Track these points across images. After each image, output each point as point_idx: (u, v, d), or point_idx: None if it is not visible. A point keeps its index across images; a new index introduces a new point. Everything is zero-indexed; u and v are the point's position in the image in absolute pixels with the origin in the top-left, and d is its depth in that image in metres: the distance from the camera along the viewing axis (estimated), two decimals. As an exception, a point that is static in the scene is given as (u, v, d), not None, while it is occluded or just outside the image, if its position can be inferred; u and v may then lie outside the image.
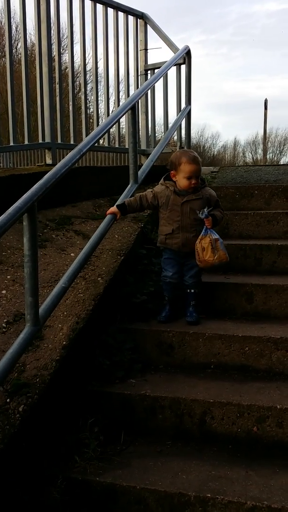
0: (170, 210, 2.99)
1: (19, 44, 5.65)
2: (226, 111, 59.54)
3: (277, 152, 35.45)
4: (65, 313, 2.76)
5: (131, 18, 5.16)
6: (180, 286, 3.09)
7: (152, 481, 2.12)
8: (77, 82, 5.11)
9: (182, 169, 2.92)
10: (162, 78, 4.87)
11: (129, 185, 3.39)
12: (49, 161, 4.23)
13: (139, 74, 5.41)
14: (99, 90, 5.02)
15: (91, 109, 5.77)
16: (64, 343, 2.55)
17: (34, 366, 2.41)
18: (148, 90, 4.05)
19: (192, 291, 3.06)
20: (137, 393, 2.54)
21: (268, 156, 31.49)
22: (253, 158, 34.62)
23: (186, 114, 4.97)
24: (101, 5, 4.68)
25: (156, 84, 5.03)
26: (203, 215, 2.90)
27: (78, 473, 2.19)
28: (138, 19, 5.24)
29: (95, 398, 2.57)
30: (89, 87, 5.15)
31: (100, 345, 2.79)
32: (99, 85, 5.06)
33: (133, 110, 3.36)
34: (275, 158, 34.52)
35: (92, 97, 5.04)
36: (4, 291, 2.88)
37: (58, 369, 2.42)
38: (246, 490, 2.04)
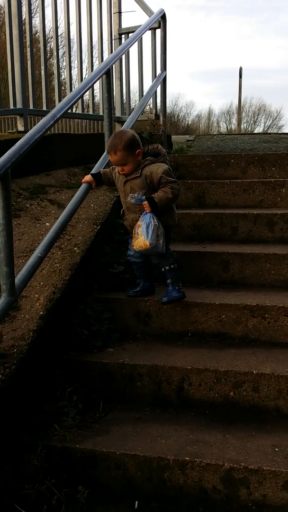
0: (119, 191, 2.89)
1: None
2: (200, 79, 58.88)
3: (251, 122, 35.36)
4: (41, 283, 2.73)
5: (104, -21, 4.97)
6: (149, 264, 2.94)
7: (131, 446, 2.15)
8: (49, 47, 4.94)
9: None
10: (137, 42, 4.76)
11: (105, 153, 3.32)
12: (21, 128, 4.10)
13: (113, 38, 5.25)
14: (71, 55, 4.84)
15: (63, 76, 5.60)
16: (41, 313, 2.53)
17: (11, 336, 2.39)
18: (123, 54, 3.95)
19: (163, 269, 2.84)
20: (115, 362, 2.55)
21: (242, 126, 31.40)
22: (227, 128, 34.45)
23: (161, 80, 4.88)
24: None
25: (131, 50, 4.92)
26: (133, 200, 2.75)
27: (57, 441, 2.20)
28: (112, -20, 5.06)
29: (73, 368, 2.57)
30: (61, 52, 4.98)
31: (78, 315, 2.78)
32: (71, 50, 4.87)
33: (107, 74, 3.28)
34: (249, 128, 34.43)
35: (65, 63, 4.89)
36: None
37: (36, 339, 2.40)
38: (224, 453, 2.09)
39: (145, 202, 2.68)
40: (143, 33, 4.32)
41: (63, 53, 4.90)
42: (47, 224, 3.24)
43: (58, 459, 2.16)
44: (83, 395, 2.47)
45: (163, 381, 2.50)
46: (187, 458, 2.06)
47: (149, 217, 2.68)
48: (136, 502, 2.08)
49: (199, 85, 56.92)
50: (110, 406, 2.49)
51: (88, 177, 2.97)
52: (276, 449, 2.10)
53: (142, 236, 2.67)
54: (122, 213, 2.92)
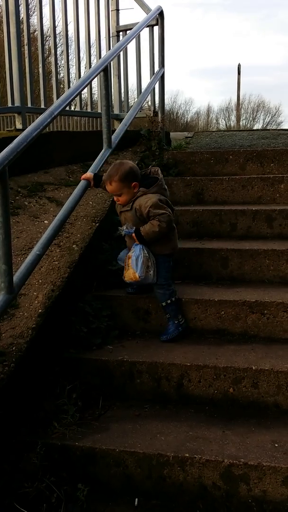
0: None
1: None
2: (199, 76, 58.74)
3: (250, 118, 35.27)
4: (40, 281, 2.73)
5: (101, -24, 4.95)
6: None
7: (131, 443, 2.15)
8: (47, 46, 4.93)
9: None
10: (134, 39, 4.74)
11: (103, 150, 3.31)
12: (19, 125, 4.09)
13: (111, 35, 5.24)
14: (69, 54, 4.82)
15: (62, 74, 5.60)
16: (40, 311, 2.52)
17: (10, 334, 2.38)
18: (120, 51, 3.94)
19: (161, 304, 2.78)
20: (114, 359, 2.55)
21: (241, 123, 31.34)
22: (226, 125, 34.37)
23: (159, 77, 4.86)
24: None
25: (128, 47, 4.92)
26: (123, 232, 2.77)
27: (57, 438, 2.20)
28: (109, -23, 5.04)
29: (72, 365, 2.57)
30: (59, 50, 4.96)
31: (77, 313, 2.77)
32: (69, 48, 4.86)
33: (105, 72, 3.26)
34: (249, 124, 34.35)
35: (63, 61, 4.88)
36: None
37: (35, 337, 2.40)
38: (223, 449, 2.09)
39: (133, 234, 2.71)
40: (141, 30, 4.30)
41: (61, 52, 4.88)
42: (45, 222, 3.23)
43: (57, 457, 2.16)
44: (83, 393, 2.47)
45: (162, 378, 2.50)
46: (187, 455, 2.06)
47: (139, 249, 2.70)
48: (136, 499, 2.08)
49: (198, 82, 56.84)
50: (110, 403, 2.49)
51: (88, 174, 2.97)
52: (276, 445, 2.10)
53: (132, 268, 2.69)
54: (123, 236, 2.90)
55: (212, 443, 2.13)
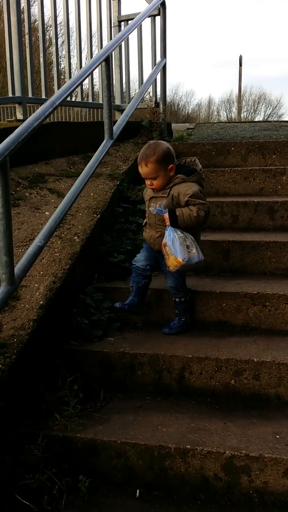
0: (146, 203, 2.71)
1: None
2: (200, 68, 58.39)
3: (251, 110, 35.12)
4: (41, 272, 2.72)
5: None
6: (149, 277, 2.73)
7: (133, 435, 2.15)
8: (48, 36, 4.89)
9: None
10: (136, 30, 4.71)
11: (104, 141, 3.29)
12: (20, 116, 4.07)
13: (112, 25, 5.19)
14: (71, 44, 4.78)
15: (63, 65, 5.55)
16: (41, 302, 2.52)
17: (11, 326, 2.38)
18: (122, 41, 3.90)
19: (175, 300, 2.72)
20: (116, 351, 2.55)
21: (242, 115, 31.19)
22: (227, 117, 34.23)
23: (161, 68, 4.83)
24: None
25: (130, 37, 4.87)
26: (154, 211, 2.57)
27: (58, 430, 2.20)
28: None
29: (74, 357, 2.56)
30: (60, 41, 4.92)
31: (78, 305, 2.77)
32: (70, 38, 4.81)
33: (107, 62, 3.23)
34: (250, 117, 34.18)
35: (64, 52, 4.84)
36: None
37: (36, 329, 2.39)
38: (225, 441, 2.08)
39: (166, 215, 2.52)
40: (143, 20, 4.26)
41: (62, 42, 4.83)
42: (46, 213, 3.22)
43: (59, 448, 2.16)
44: (84, 385, 2.47)
45: (164, 369, 2.50)
46: (188, 446, 2.06)
47: (170, 231, 2.51)
48: (138, 491, 2.08)
49: (199, 74, 56.49)
50: (111, 395, 2.48)
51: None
52: (277, 437, 2.10)
53: (172, 255, 2.50)
54: (144, 224, 2.74)
55: (213, 435, 2.13)
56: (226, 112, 35.55)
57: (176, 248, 2.48)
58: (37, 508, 1.95)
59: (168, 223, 2.52)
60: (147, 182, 2.58)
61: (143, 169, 2.52)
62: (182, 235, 2.52)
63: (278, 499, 2.00)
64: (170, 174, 2.53)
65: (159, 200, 2.57)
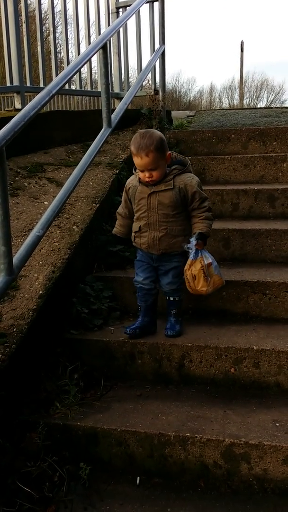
0: (137, 204, 2.50)
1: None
2: (201, 54, 57.85)
3: (254, 97, 34.83)
4: (40, 262, 2.71)
5: None
6: (157, 291, 2.64)
7: (133, 423, 2.16)
8: (46, 25, 4.83)
9: (134, 161, 2.42)
10: (134, 16, 4.64)
11: (103, 129, 3.26)
12: (18, 105, 4.04)
13: (110, 12, 5.13)
14: (68, 32, 4.74)
15: (62, 54, 5.50)
16: (40, 292, 2.52)
17: (11, 316, 2.38)
18: (120, 27, 3.86)
19: (171, 299, 2.61)
20: (116, 340, 2.55)
21: (244, 102, 30.93)
22: (229, 104, 33.95)
23: (160, 55, 4.77)
24: None
25: (128, 24, 4.82)
26: (190, 248, 2.43)
27: (59, 418, 2.21)
28: None
29: (74, 346, 2.57)
30: (58, 29, 4.86)
31: (78, 294, 2.77)
32: (68, 26, 4.77)
33: (104, 49, 3.19)
34: (252, 103, 33.90)
35: (61, 40, 4.79)
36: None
37: (36, 319, 2.39)
38: (224, 428, 2.09)
39: (200, 242, 2.42)
40: (141, 5, 4.21)
41: (60, 31, 4.77)
42: (45, 203, 3.21)
43: (59, 436, 2.17)
44: (84, 373, 2.48)
45: (163, 358, 2.50)
46: (188, 434, 2.07)
47: (205, 252, 2.48)
48: (138, 478, 2.09)
49: (201, 61, 55.99)
50: (111, 384, 2.49)
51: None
52: (277, 424, 2.10)
53: (217, 275, 2.50)
54: (138, 229, 2.53)
55: (213, 423, 2.14)
56: (228, 99, 35.27)
57: (218, 267, 2.51)
58: (38, 495, 1.96)
59: (202, 247, 2.45)
60: (145, 174, 2.38)
61: (143, 160, 2.33)
62: (209, 255, 2.51)
63: (278, 486, 2.01)
64: (167, 163, 2.44)
65: (162, 194, 2.42)
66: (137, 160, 2.37)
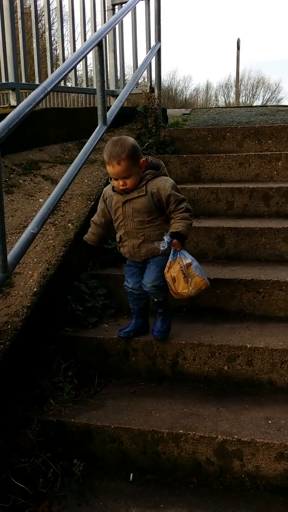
0: (115, 213, 2.45)
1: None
2: (198, 52, 57.78)
3: (250, 95, 34.84)
4: (35, 259, 2.72)
5: None
6: (147, 296, 2.58)
7: (126, 420, 2.17)
8: (42, 22, 4.82)
9: (107, 170, 2.36)
10: (130, 13, 4.64)
11: (98, 127, 3.27)
12: (13, 102, 4.04)
13: (106, 9, 5.12)
14: (64, 29, 4.72)
15: (58, 51, 5.49)
16: (35, 289, 2.52)
17: (5, 313, 2.38)
18: (116, 24, 3.85)
19: (156, 300, 2.51)
20: (110, 337, 2.56)
21: (240, 100, 30.94)
22: (225, 102, 33.95)
23: (156, 52, 4.77)
24: None
25: (124, 21, 4.80)
26: (164, 246, 2.35)
27: (53, 415, 2.22)
28: None
29: (68, 344, 2.58)
30: (54, 27, 4.86)
31: (72, 292, 2.77)
32: (64, 23, 4.75)
33: (100, 46, 3.19)
34: (248, 101, 33.90)
35: (56, 38, 4.78)
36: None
37: (30, 316, 2.40)
38: (217, 426, 2.11)
39: (175, 241, 2.32)
40: (137, 2, 4.22)
41: (56, 28, 4.78)
42: (40, 200, 3.21)
43: (53, 433, 2.18)
44: (79, 371, 2.49)
45: (157, 356, 2.51)
46: (181, 431, 2.09)
47: (184, 252, 2.37)
48: (131, 475, 2.11)
49: (197, 59, 55.94)
50: (105, 381, 2.50)
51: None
52: (269, 422, 2.12)
53: (197, 276, 2.37)
54: (119, 239, 2.50)
55: (206, 420, 2.15)
56: (224, 97, 35.27)
57: (200, 268, 2.39)
58: (32, 491, 1.97)
59: (179, 247, 2.35)
60: (119, 183, 2.32)
61: (115, 168, 2.27)
62: (192, 256, 2.40)
63: (270, 483, 2.03)
64: (141, 170, 2.35)
65: (135, 201, 2.36)
66: (109, 169, 2.31)
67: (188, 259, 2.36)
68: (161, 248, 2.37)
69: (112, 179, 2.38)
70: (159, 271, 2.42)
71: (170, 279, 2.37)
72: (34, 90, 2.49)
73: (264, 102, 32.72)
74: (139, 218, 2.38)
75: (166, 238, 2.33)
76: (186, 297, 2.42)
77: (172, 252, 2.36)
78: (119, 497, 1.98)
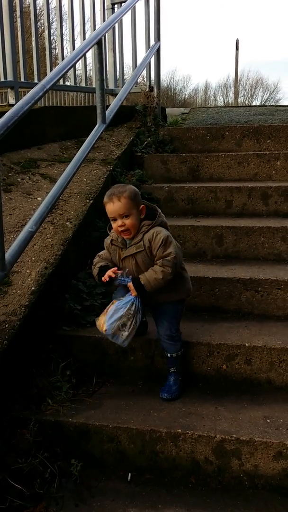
0: (118, 264, 2.35)
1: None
2: (197, 52, 57.79)
3: (249, 95, 34.79)
4: (33, 258, 2.71)
5: None
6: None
7: (124, 419, 2.16)
8: (41, 21, 4.81)
9: (107, 211, 2.27)
10: (130, 12, 4.64)
11: (97, 125, 3.26)
12: (12, 101, 4.02)
13: (105, 8, 5.11)
14: (64, 28, 4.71)
15: (57, 50, 5.48)
16: (33, 288, 2.51)
17: (3, 312, 2.37)
18: (115, 23, 3.84)
19: (169, 355, 2.36)
20: (108, 336, 2.55)
21: (239, 100, 30.90)
22: (224, 102, 33.92)
23: (155, 51, 4.76)
24: None
25: (124, 20, 4.80)
26: (116, 282, 2.27)
27: (50, 415, 2.21)
28: None
29: (66, 343, 2.56)
30: (53, 26, 4.85)
31: (71, 290, 2.76)
32: (63, 22, 4.73)
33: (99, 44, 3.18)
34: (247, 101, 33.85)
35: (56, 37, 4.77)
36: None
37: (28, 315, 2.39)
38: (216, 425, 2.10)
39: (130, 284, 2.24)
40: (136, 1, 4.20)
41: (55, 26, 4.77)
42: (39, 198, 3.19)
43: (51, 433, 2.17)
44: (77, 370, 2.48)
45: (156, 355, 2.50)
46: (179, 430, 2.08)
47: (128, 301, 2.23)
48: (129, 474, 2.10)
49: (196, 58, 55.91)
50: (104, 380, 2.49)
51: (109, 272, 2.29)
52: (268, 421, 2.11)
53: (105, 316, 2.26)
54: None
55: (204, 419, 2.14)
56: (223, 97, 35.20)
57: (113, 318, 2.22)
58: (29, 491, 1.96)
59: (134, 293, 2.23)
60: (118, 223, 2.22)
61: (115, 205, 2.20)
62: (132, 313, 2.22)
63: (268, 482, 2.02)
64: (141, 216, 2.26)
65: (136, 256, 2.26)
66: (109, 207, 2.23)
67: (118, 302, 2.25)
68: (119, 277, 2.25)
69: (112, 231, 2.33)
70: (174, 318, 2.33)
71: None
72: (32, 88, 2.48)
73: (263, 103, 32.70)
74: (143, 268, 2.27)
75: (124, 275, 2.25)
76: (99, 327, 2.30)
77: (128, 297, 2.25)
78: (117, 497, 1.97)
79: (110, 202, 2.23)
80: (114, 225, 2.26)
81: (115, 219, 2.24)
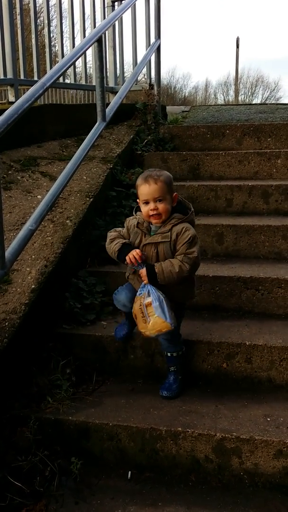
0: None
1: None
2: (198, 50, 57.71)
3: (249, 93, 34.75)
4: (33, 256, 2.70)
5: None
6: None
7: (124, 417, 2.16)
8: (41, 18, 4.80)
9: (139, 194, 2.23)
10: (130, 9, 4.63)
11: (97, 123, 3.25)
12: (11, 98, 4.02)
13: (105, 5, 5.10)
14: (64, 25, 4.70)
15: (56, 47, 5.48)
16: (33, 286, 2.51)
17: (3, 310, 2.37)
18: (115, 21, 3.84)
19: (169, 354, 2.34)
20: (108, 335, 2.55)
21: (240, 98, 30.88)
22: (224, 100, 33.89)
23: (155, 49, 4.76)
24: None
25: (124, 18, 4.79)
26: (136, 267, 2.21)
27: (50, 413, 2.21)
28: None
29: (66, 341, 2.56)
30: (53, 24, 4.84)
31: (70, 289, 2.76)
32: (63, 19, 4.73)
33: (99, 42, 3.18)
34: (247, 99, 33.84)
35: (55, 34, 4.76)
36: None
37: (28, 313, 2.38)
38: (216, 423, 2.10)
39: (143, 271, 2.19)
40: (136, -1, 4.20)
41: (55, 24, 4.76)
42: (38, 196, 3.19)
43: (51, 431, 2.17)
44: (76, 368, 2.47)
45: (156, 353, 2.50)
46: (180, 429, 2.07)
47: (154, 290, 2.16)
48: (129, 472, 2.09)
49: (196, 56, 55.84)
50: (104, 379, 2.49)
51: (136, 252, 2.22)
52: (268, 419, 2.11)
53: (158, 317, 2.14)
54: (134, 271, 2.32)
55: (204, 417, 2.14)
56: (223, 95, 35.17)
57: (165, 310, 2.14)
58: (29, 489, 1.96)
59: (146, 280, 2.18)
60: (151, 206, 2.18)
61: (151, 187, 2.16)
62: (165, 296, 2.17)
63: (268, 480, 2.02)
64: (173, 204, 2.23)
65: (158, 246, 2.21)
66: (144, 189, 2.18)
67: (149, 298, 2.16)
68: (131, 266, 2.24)
69: (139, 213, 2.29)
70: (173, 317, 2.21)
71: (133, 315, 2.25)
72: (32, 86, 2.48)
73: (263, 101, 32.67)
74: (161, 260, 2.21)
75: (141, 265, 2.20)
76: (148, 336, 2.22)
77: (142, 285, 2.22)
78: (117, 495, 1.97)
79: (146, 183, 2.18)
80: (145, 208, 2.20)
81: (147, 202, 2.19)
